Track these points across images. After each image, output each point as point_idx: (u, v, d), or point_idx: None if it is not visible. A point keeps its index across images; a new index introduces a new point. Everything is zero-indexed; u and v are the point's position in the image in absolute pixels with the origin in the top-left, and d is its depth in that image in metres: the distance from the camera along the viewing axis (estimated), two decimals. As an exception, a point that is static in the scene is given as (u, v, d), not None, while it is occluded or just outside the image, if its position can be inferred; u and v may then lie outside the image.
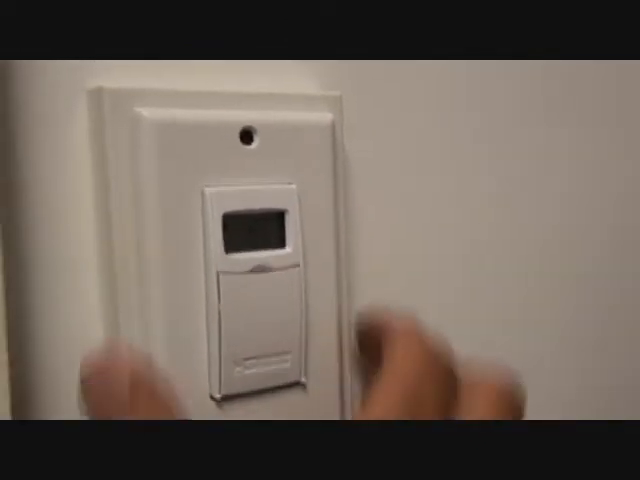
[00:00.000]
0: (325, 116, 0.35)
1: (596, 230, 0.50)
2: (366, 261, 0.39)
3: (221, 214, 0.32)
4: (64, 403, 0.31)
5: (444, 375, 0.29)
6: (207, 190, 0.32)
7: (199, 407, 0.32)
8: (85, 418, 0.30)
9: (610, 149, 0.51)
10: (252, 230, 0.33)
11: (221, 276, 0.32)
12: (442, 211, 0.42)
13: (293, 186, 0.34)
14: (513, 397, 0.30)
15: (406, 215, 0.41)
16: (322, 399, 0.36)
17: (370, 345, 0.34)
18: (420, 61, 0.40)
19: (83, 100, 0.31)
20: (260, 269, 0.33)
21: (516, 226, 0.46)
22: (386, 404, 0.28)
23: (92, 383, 0.28)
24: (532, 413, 0.32)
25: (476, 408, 0.29)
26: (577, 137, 0.49)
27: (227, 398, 0.33)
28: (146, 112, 0.31)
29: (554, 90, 0.47)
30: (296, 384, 0.35)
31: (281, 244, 0.34)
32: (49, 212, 0.31)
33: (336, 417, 0.36)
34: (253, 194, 0.33)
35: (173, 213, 0.31)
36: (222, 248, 0.32)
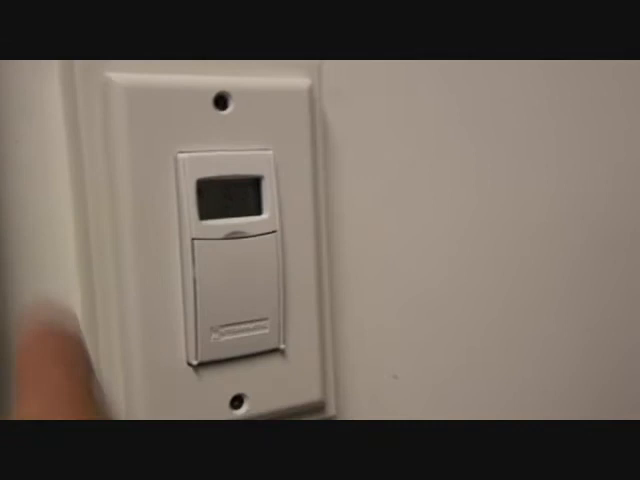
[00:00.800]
0: (302, 81, 0.35)
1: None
2: (345, 227, 0.39)
3: (195, 180, 0.32)
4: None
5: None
6: (180, 156, 0.32)
7: (176, 373, 0.32)
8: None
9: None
10: (227, 197, 0.33)
11: (195, 242, 0.32)
12: (421, 177, 0.42)
13: (269, 152, 0.34)
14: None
15: (387, 182, 0.40)
16: (302, 366, 0.36)
17: None
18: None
19: (55, 66, 0.31)
20: (236, 235, 0.33)
21: (495, 190, 0.45)
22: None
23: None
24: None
25: None
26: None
27: (204, 364, 0.33)
28: (117, 77, 0.31)
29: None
30: (275, 351, 0.35)
31: (258, 210, 0.34)
32: (25, 177, 0.31)
33: (317, 384, 0.36)
34: (228, 160, 0.33)
35: (146, 179, 0.31)
36: (196, 214, 0.32)
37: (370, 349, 0.40)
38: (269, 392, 0.35)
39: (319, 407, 0.37)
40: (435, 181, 0.42)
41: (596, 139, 0.49)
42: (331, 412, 0.38)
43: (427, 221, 0.42)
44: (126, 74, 0.31)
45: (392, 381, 0.41)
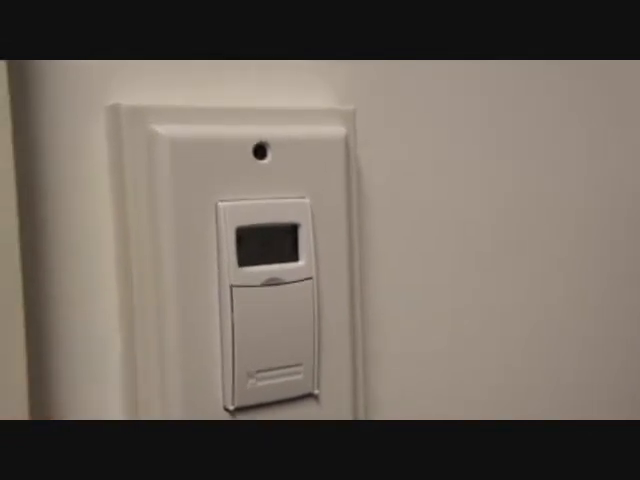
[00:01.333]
0: (338, 130, 0.36)
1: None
2: (380, 273, 0.39)
3: (234, 228, 0.33)
4: (81, 404, 0.32)
5: None
6: (221, 204, 0.32)
7: (212, 417, 0.33)
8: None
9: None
10: (265, 244, 0.34)
11: (234, 289, 0.33)
12: (454, 223, 0.42)
13: (306, 200, 0.35)
14: None
15: (419, 228, 0.41)
16: (335, 410, 0.36)
17: None
18: (433, 76, 0.41)
19: (101, 116, 0.32)
20: (273, 282, 0.33)
21: (528, 231, 0.46)
22: None
23: None
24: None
25: None
26: (589, 145, 0.49)
27: (240, 409, 0.33)
28: (161, 129, 0.31)
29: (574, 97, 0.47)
30: (309, 395, 0.35)
31: (294, 257, 0.34)
32: (69, 226, 0.32)
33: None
34: (266, 208, 0.34)
35: (188, 227, 0.32)
36: (235, 261, 0.33)
37: (403, 392, 0.40)
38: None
39: (350, 451, 0.37)
40: (470, 224, 0.43)
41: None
42: (362, 456, 0.38)
43: (461, 261, 0.42)
44: (170, 125, 0.32)
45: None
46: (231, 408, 0.33)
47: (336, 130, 0.36)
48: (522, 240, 0.45)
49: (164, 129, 0.32)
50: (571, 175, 0.47)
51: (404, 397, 0.41)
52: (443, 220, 0.42)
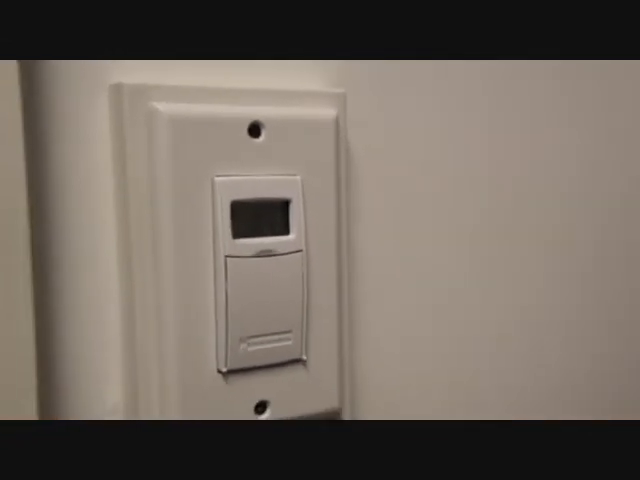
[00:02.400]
0: (329, 112, 0.38)
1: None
2: (367, 247, 0.41)
3: (229, 202, 0.35)
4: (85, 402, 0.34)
5: None
6: (217, 179, 0.35)
7: (207, 380, 0.35)
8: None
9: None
10: (258, 217, 0.36)
11: (228, 260, 0.35)
12: (442, 204, 0.44)
13: (297, 177, 0.37)
14: None
15: (408, 206, 0.43)
16: (321, 376, 0.38)
17: None
18: (425, 61, 0.43)
19: (105, 94, 0.34)
20: (265, 253, 0.36)
21: (512, 211, 0.48)
22: None
23: None
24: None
25: None
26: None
27: (232, 372, 0.35)
28: (161, 106, 0.33)
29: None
30: (297, 361, 0.37)
31: (285, 231, 0.36)
32: (74, 197, 0.34)
33: (334, 393, 0.39)
34: (260, 184, 0.36)
35: (185, 200, 0.34)
36: (230, 233, 0.35)
37: (386, 360, 0.43)
38: (290, 399, 0.37)
39: (336, 414, 0.40)
40: (457, 203, 0.45)
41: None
42: (346, 418, 0.40)
43: (447, 239, 0.44)
44: (170, 104, 0.34)
45: (406, 391, 0.44)
46: (224, 370, 0.35)
47: (327, 112, 0.38)
48: (514, 223, 0.47)
49: (164, 107, 0.33)
50: (568, 160, 0.49)
51: (388, 364, 0.43)
52: (429, 197, 0.44)
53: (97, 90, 0.34)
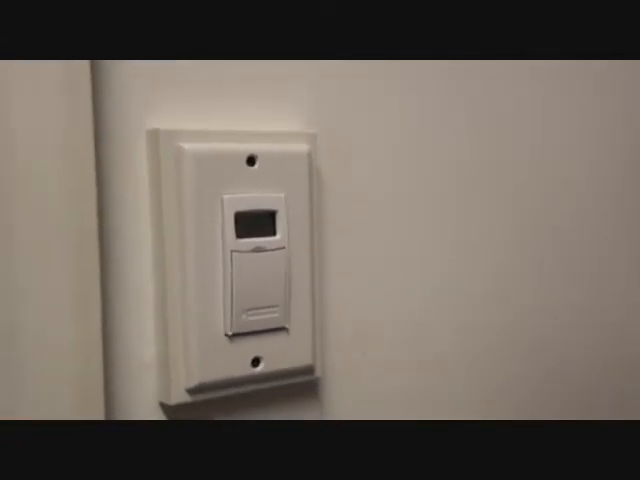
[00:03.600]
0: (304, 147, 0.52)
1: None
2: (332, 247, 0.56)
3: (233, 212, 0.49)
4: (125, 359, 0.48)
5: None
6: (225, 197, 0.48)
7: (217, 340, 0.49)
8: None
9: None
10: (254, 223, 0.50)
11: (233, 253, 0.49)
12: (395, 210, 0.59)
13: (282, 195, 0.51)
14: None
15: (365, 213, 0.57)
16: (299, 340, 0.52)
17: None
18: (386, 96, 0.57)
19: (143, 137, 0.48)
20: (258, 249, 0.49)
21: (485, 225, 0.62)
22: None
23: None
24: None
25: None
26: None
27: (235, 335, 0.49)
28: (185, 145, 0.47)
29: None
30: (282, 329, 0.51)
31: (273, 233, 0.50)
32: (120, 212, 0.47)
33: (309, 354, 0.53)
34: (255, 199, 0.50)
35: (203, 212, 0.48)
36: (234, 235, 0.49)
37: (346, 331, 0.57)
38: (277, 357, 0.51)
39: (309, 370, 0.54)
40: (415, 213, 0.59)
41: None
42: (318, 374, 0.54)
43: (408, 236, 0.59)
44: (191, 143, 0.47)
45: (362, 356, 0.58)
46: (229, 333, 0.49)
47: (302, 147, 0.52)
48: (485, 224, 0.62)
49: (188, 145, 0.47)
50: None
51: (350, 332, 0.57)
52: (381, 205, 0.58)
53: (138, 134, 0.48)
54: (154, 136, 0.47)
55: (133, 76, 0.47)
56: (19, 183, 0.41)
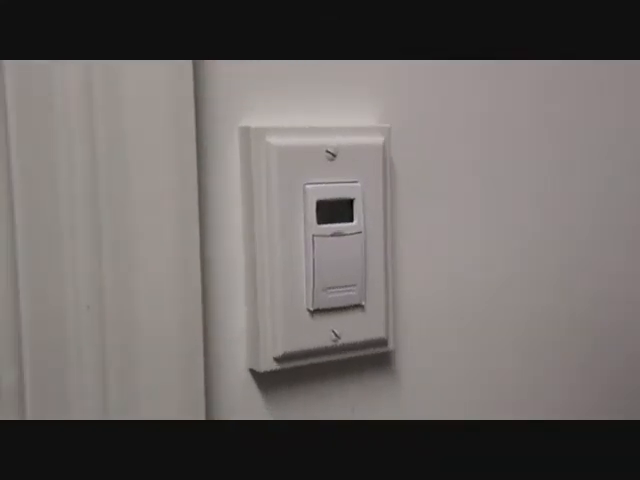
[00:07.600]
0: (379, 140, 0.57)
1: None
2: (405, 233, 0.60)
3: (315, 201, 0.54)
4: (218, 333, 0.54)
5: None
6: (307, 186, 0.54)
7: (301, 315, 0.54)
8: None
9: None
10: (334, 210, 0.55)
11: (315, 238, 0.54)
12: (470, 207, 0.63)
13: (359, 184, 0.56)
14: None
15: (436, 203, 0.62)
16: (374, 317, 0.57)
17: None
18: (461, 94, 0.61)
19: (236, 133, 0.53)
20: (338, 234, 0.55)
21: (552, 229, 0.66)
22: None
23: None
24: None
25: None
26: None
27: (317, 311, 0.55)
28: (272, 140, 0.53)
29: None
30: (358, 305, 0.56)
31: (351, 219, 0.55)
32: (216, 201, 0.53)
33: (383, 328, 0.58)
34: (334, 188, 0.55)
35: (288, 200, 0.53)
36: (315, 221, 0.54)
37: (416, 309, 0.62)
38: (354, 331, 0.57)
39: (383, 342, 0.59)
40: (487, 215, 0.63)
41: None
42: (390, 346, 0.59)
43: (474, 224, 0.63)
44: (278, 138, 0.53)
45: (428, 332, 0.63)
46: (311, 309, 0.55)
47: (378, 140, 0.57)
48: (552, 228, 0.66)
49: (274, 140, 0.53)
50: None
51: (422, 309, 0.62)
52: (453, 195, 0.63)
53: (232, 130, 0.53)
54: (245, 133, 0.53)
55: (227, 76, 0.52)
56: (132, 173, 0.47)
